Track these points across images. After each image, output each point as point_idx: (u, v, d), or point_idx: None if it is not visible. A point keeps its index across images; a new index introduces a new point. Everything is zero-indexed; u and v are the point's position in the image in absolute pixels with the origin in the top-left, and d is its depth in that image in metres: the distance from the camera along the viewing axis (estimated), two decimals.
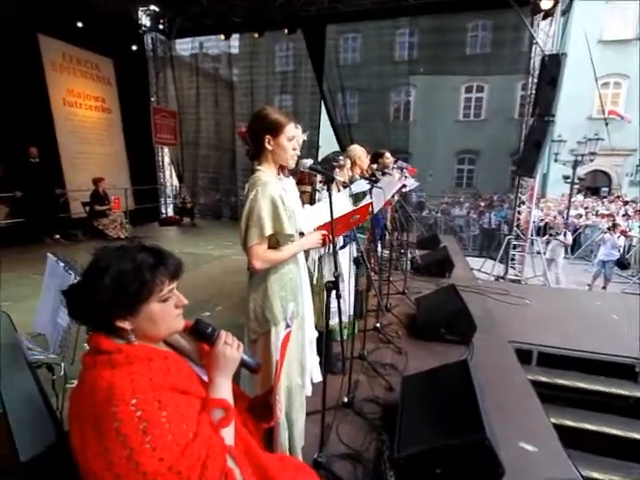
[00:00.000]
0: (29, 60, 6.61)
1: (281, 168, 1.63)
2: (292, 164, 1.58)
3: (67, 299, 0.87)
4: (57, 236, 6.64)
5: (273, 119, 1.49)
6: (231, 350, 0.96)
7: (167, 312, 0.90)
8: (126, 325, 0.85)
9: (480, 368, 2.31)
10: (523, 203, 7.14)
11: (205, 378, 0.96)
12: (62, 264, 1.66)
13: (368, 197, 2.49)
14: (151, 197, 9.80)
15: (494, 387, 2.39)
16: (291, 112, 8.38)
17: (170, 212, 10.65)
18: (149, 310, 0.86)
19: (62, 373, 1.64)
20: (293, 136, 1.53)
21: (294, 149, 1.55)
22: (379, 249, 3.92)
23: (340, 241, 2.47)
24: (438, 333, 3.10)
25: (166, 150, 10.55)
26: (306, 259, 2.35)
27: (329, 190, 1.54)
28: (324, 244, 1.66)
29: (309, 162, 1.57)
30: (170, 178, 10.87)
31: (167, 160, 10.67)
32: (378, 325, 3.29)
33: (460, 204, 12.50)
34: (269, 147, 1.51)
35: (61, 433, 1.22)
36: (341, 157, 2.69)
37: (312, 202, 2.46)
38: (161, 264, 0.88)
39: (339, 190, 2.51)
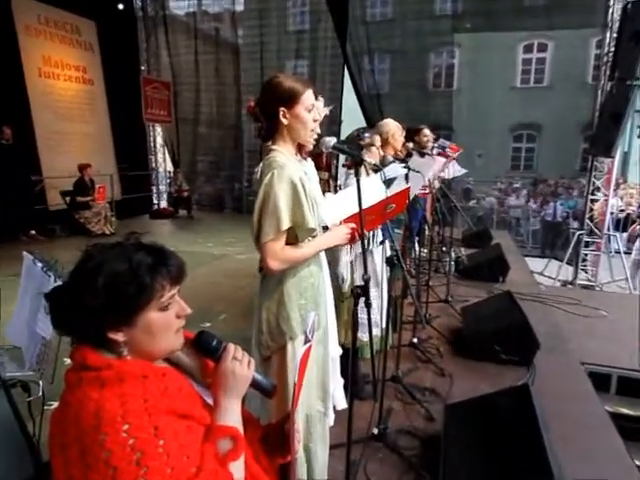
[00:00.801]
0: (0, 24, 6.82)
1: (299, 148, 1.63)
2: (312, 141, 1.58)
3: (50, 304, 0.88)
4: (32, 232, 6.85)
5: (287, 87, 1.50)
6: (241, 367, 0.96)
7: (167, 322, 0.90)
8: (119, 337, 0.86)
9: (544, 395, 2.26)
10: (598, 190, 6.93)
11: (210, 400, 0.97)
12: (40, 264, 1.71)
13: (402, 181, 2.47)
14: (141, 185, 10.01)
15: (562, 419, 2.34)
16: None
17: (163, 203, 10.85)
18: (147, 320, 0.87)
19: (40, 393, 1.68)
20: (312, 105, 1.53)
21: (315, 121, 1.55)
22: (416, 247, 3.89)
23: (378, 235, 2.46)
24: (490, 351, 3.07)
25: (159, 129, 10.73)
26: (336, 262, 2.36)
27: (357, 175, 1.53)
28: (353, 240, 1.65)
29: (332, 141, 1.56)
30: (163, 162, 11.06)
31: (160, 141, 10.86)
32: (415, 340, 3.28)
33: (517, 191, 12.25)
34: (285, 121, 1.52)
35: (40, 464, 1.25)
36: (367, 134, 2.67)
37: (330, 191, 2.46)
38: (162, 265, 0.88)
39: (368, 174, 2.49)
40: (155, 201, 10.83)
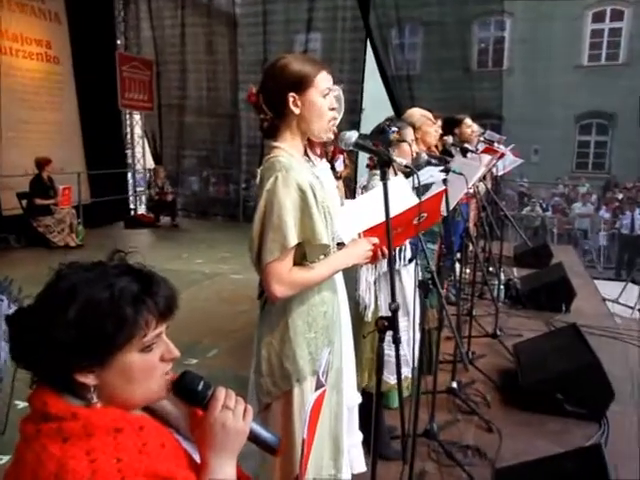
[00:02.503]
0: None
1: (309, 145, 1.64)
2: (330, 133, 1.59)
3: (10, 329, 0.89)
4: None
5: (296, 69, 1.52)
6: (234, 419, 0.96)
7: (149, 366, 0.91)
8: (89, 380, 0.87)
9: (621, 459, 2.24)
10: None
11: (198, 458, 0.97)
12: None
13: (438, 186, 2.47)
14: (115, 186, 10.11)
15: None
16: (322, 59, 8.41)
17: (142, 208, 10.97)
18: (124, 362, 0.88)
19: None
20: (328, 89, 1.55)
21: (332, 109, 1.57)
22: (457, 267, 3.87)
23: (407, 251, 2.46)
24: (551, 401, 3.04)
25: (137, 117, 10.89)
26: (355, 283, 2.36)
27: (383, 178, 1.53)
28: (375, 259, 1.65)
29: (354, 136, 1.57)
30: (142, 158, 11.21)
31: (138, 132, 11.00)
32: (455, 385, 3.26)
33: (584, 197, 12.17)
34: (296, 110, 1.53)
35: None
36: (394, 128, 2.69)
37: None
38: (148, 296, 0.89)
39: (396, 175, 2.50)
40: (132, 206, 10.96)
